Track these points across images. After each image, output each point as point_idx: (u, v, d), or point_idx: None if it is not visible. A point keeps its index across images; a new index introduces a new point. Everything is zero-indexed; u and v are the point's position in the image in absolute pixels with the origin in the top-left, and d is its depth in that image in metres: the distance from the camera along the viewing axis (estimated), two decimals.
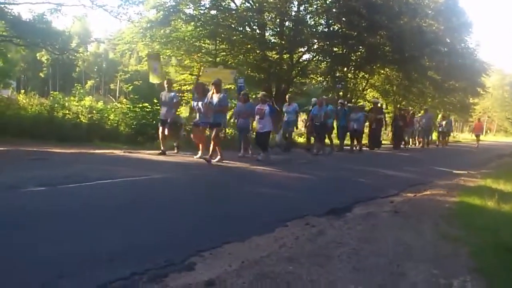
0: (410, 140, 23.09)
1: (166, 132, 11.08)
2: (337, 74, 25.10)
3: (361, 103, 22.55)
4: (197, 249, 3.81)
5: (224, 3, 22.51)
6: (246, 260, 3.62)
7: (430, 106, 32.69)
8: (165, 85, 11.47)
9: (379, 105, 21.47)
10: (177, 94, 11.50)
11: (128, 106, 15.03)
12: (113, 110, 15.13)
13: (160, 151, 10.98)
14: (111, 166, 8.55)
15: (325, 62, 25.41)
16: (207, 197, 6.54)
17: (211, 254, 3.75)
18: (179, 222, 4.86)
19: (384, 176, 10.01)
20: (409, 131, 21.98)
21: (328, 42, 23.62)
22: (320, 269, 3.47)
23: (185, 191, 7.00)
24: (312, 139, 15.69)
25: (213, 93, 10.37)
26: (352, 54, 25.01)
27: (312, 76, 25.54)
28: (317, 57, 25.47)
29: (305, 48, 24.58)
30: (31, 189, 5.83)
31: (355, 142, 17.18)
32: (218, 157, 10.31)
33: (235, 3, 23.11)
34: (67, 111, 13.96)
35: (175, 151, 11.57)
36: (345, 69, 25.28)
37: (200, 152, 10.75)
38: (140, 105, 14.24)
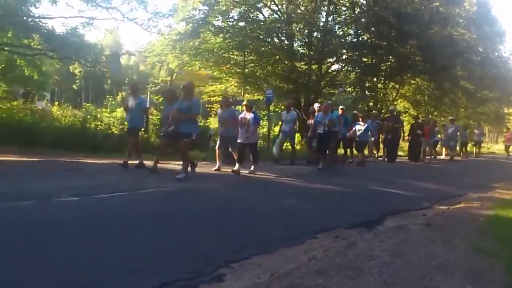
0: (432, 151, 21.33)
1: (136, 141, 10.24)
2: (367, 85, 24.88)
3: (374, 111, 20.75)
4: (226, 260, 3.80)
5: (252, 15, 22.69)
6: (275, 272, 3.59)
7: (463, 117, 32.07)
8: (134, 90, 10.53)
9: (395, 112, 19.74)
10: (145, 99, 10.49)
11: (158, 117, 15.21)
12: None
13: (123, 162, 9.79)
14: (141, 176, 8.66)
15: (354, 73, 25.25)
16: (235, 208, 6.52)
17: (241, 266, 3.74)
18: (207, 232, 4.87)
19: (415, 188, 9.79)
20: (430, 142, 19.89)
21: (357, 52, 23.49)
22: (351, 282, 3.41)
23: (213, 202, 7.01)
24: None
25: (183, 98, 9.08)
26: (382, 64, 24.76)
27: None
28: (346, 67, 25.37)
29: (334, 59, 24.53)
30: (65, 199, 5.97)
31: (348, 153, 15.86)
32: (184, 174, 8.82)
33: (263, 15, 23.30)
34: (99, 123, 14.25)
35: (138, 164, 10.03)
36: (375, 79, 25.05)
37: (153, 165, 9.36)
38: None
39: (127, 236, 4.48)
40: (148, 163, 9.81)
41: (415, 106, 29.73)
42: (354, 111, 17.72)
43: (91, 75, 60.97)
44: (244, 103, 11.64)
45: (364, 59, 24.30)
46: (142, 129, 10.59)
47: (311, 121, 13.74)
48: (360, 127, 15.28)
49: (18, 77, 20.46)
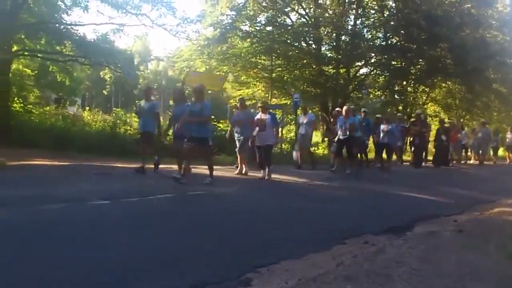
0: (461, 156, 20.55)
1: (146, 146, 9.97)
2: (396, 88, 24.57)
3: (399, 114, 20.28)
4: (253, 264, 3.78)
5: (280, 19, 22.76)
6: (302, 277, 3.55)
7: (496, 120, 31.28)
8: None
9: (422, 116, 19.19)
10: (157, 104, 10.09)
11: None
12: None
13: (139, 167, 9.62)
14: (170, 180, 8.73)
15: (383, 76, 24.99)
16: (261, 212, 6.52)
17: (268, 270, 3.70)
18: (234, 236, 4.86)
19: (444, 193, 9.56)
20: (457, 147, 19.24)
21: (386, 56, 23.27)
22: None
23: (240, 206, 7.03)
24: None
25: (195, 101, 8.80)
26: (412, 68, 24.43)
27: (370, 90, 25.13)
28: (374, 71, 25.11)
29: (362, 62, 24.32)
30: (96, 202, 6.08)
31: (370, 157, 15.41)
32: (210, 179, 8.68)
33: (290, 19, 23.34)
34: (128, 127, 14.47)
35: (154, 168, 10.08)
36: (404, 82, 24.69)
37: (181, 171, 8.99)
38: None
39: (154, 238, 4.52)
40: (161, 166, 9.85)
41: (446, 110, 29.21)
42: (377, 115, 17.31)
43: (121, 80, 62.15)
44: (259, 104, 11.46)
45: (393, 63, 24.04)
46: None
47: (333, 126, 13.50)
48: (384, 128, 14.62)
49: (50, 83, 21.07)
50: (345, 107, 12.84)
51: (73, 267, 3.48)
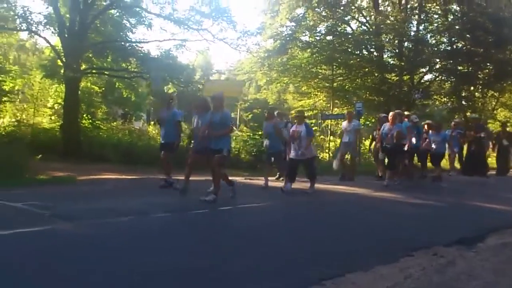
0: None
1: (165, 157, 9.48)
2: (463, 94, 23.69)
3: (456, 119, 18.63)
4: (319, 277, 3.73)
5: (340, 28, 22.65)
6: None
7: None
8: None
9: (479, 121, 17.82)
10: (179, 112, 9.57)
11: (248, 134, 15.51)
12: (234, 138, 15.70)
13: (163, 182, 9.21)
14: (229, 194, 8.79)
15: (449, 82, 24.16)
16: (326, 224, 6.47)
17: (333, 284, 3.64)
18: (298, 248, 4.84)
19: None
20: None
21: (451, 61, 22.52)
22: None
23: (304, 217, 7.02)
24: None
25: (214, 110, 8.17)
26: (479, 72, 23.45)
27: (435, 97, 24.35)
28: (440, 77, 24.32)
29: (427, 68, 23.63)
30: (160, 215, 6.28)
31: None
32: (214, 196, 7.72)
33: (351, 27, 23.14)
34: (192, 141, 14.79)
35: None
36: (472, 88, 23.77)
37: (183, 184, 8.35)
38: (260, 133, 14.62)
39: (215, 250, 4.60)
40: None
41: None
42: (428, 121, 16.17)
43: (184, 95, 63.77)
44: (296, 114, 10.88)
45: (460, 68, 23.21)
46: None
47: (377, 132, 12.60)
48: (434, 138, 13.54)
49: (116, 99, 21.75)
50: (391, 113, 11.85)
51: (138, 274, 3.60)
